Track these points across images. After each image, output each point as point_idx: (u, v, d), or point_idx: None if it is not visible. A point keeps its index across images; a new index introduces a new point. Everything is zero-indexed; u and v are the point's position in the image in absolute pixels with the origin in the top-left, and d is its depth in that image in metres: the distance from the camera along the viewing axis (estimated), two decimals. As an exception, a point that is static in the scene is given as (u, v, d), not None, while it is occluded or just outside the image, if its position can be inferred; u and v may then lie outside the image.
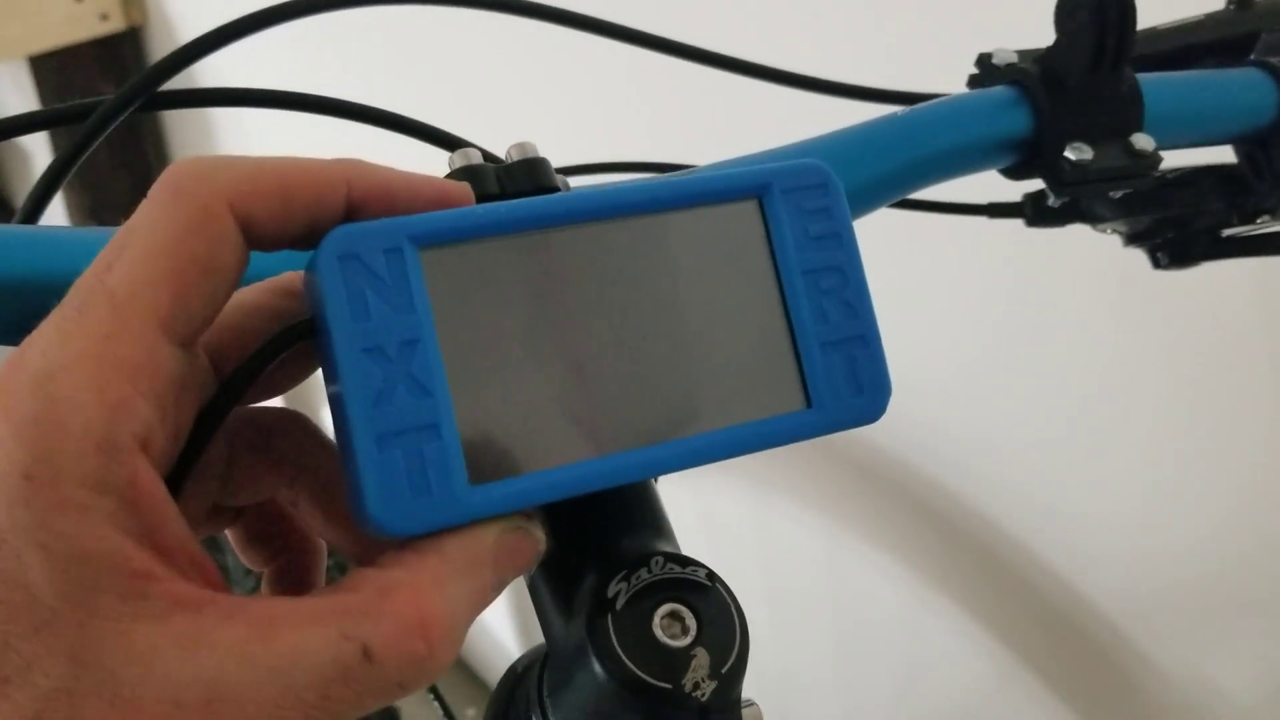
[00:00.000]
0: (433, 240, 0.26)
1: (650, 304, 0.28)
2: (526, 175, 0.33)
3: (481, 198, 0.32)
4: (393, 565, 0.25)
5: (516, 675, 0.36)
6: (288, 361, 0.28)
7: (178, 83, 0.36)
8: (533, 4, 0.41)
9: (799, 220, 0.30)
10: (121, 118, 0.35)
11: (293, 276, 0.29)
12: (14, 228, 0.30)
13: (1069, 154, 0.39)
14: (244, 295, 0.28)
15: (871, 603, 1.03)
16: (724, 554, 1.06)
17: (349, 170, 0.26)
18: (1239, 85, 0.44)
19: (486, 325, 0.27)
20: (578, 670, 0.30)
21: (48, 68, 1.69)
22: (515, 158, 0.33)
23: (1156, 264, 0.50)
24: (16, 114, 0.35)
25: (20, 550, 0.21)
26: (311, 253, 0.26)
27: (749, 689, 0.30)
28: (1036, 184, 0.48)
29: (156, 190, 0.24)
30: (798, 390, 0.29)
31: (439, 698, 0.96)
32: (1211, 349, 0.76)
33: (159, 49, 1.73)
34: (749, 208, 0.30)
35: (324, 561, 0.33)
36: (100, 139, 0.35)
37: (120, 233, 0.24)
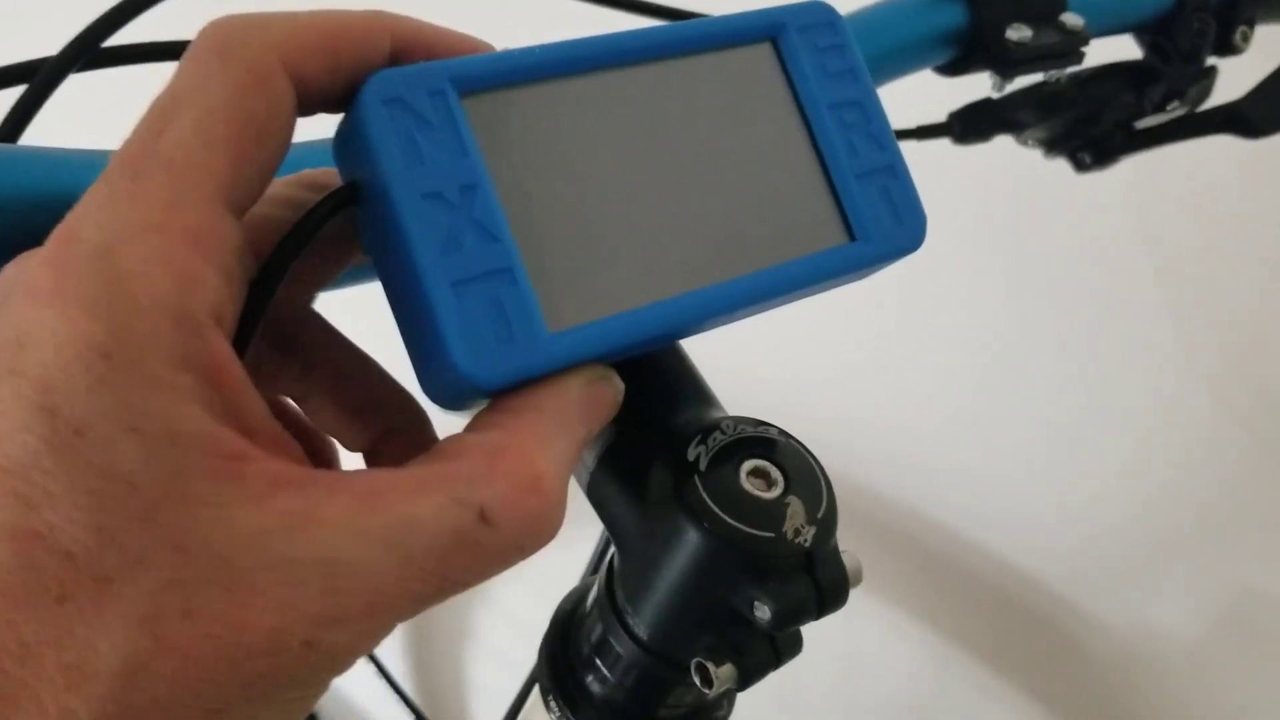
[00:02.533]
0: (472, 85, 0.25)
1: (692, 146, 0.28)
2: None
3: None
4: (491, 428, 0.23)
5: (568, 613, 0.34)
6: (324, 252, 0.26)
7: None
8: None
9: (816, 57, 0.29)
10: (64, 79, 0.33)
11: (315, 173, 0.27)
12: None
13: (1011, 34, 0.41)
14: (272, 188, 0.26)
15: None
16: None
17: (390, 21, 0.24)
18: (1140, -30, 0.47)
19: (534, 170, 0.25)
20: (668, 548, 0.28)
21: None
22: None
23: (1080, 166, 0.52)
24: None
25: (110, 436, 0.19)
26: (341, 119, 0.25)
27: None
28: (960, 103, 0.49)
29: (200, 50, 0.22)
30: (839, 224, 0.29)
31: None
32: (1099, 297, 0.79)
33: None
34: (764, 50, 0.29)
35: (338, 459, 0.31)
36: (42, 105, 0.33)
37: (164, 97, 0.22)
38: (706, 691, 0.28)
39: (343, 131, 0.25)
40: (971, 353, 0.85)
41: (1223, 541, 0.80)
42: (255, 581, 0.19)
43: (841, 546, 0.29)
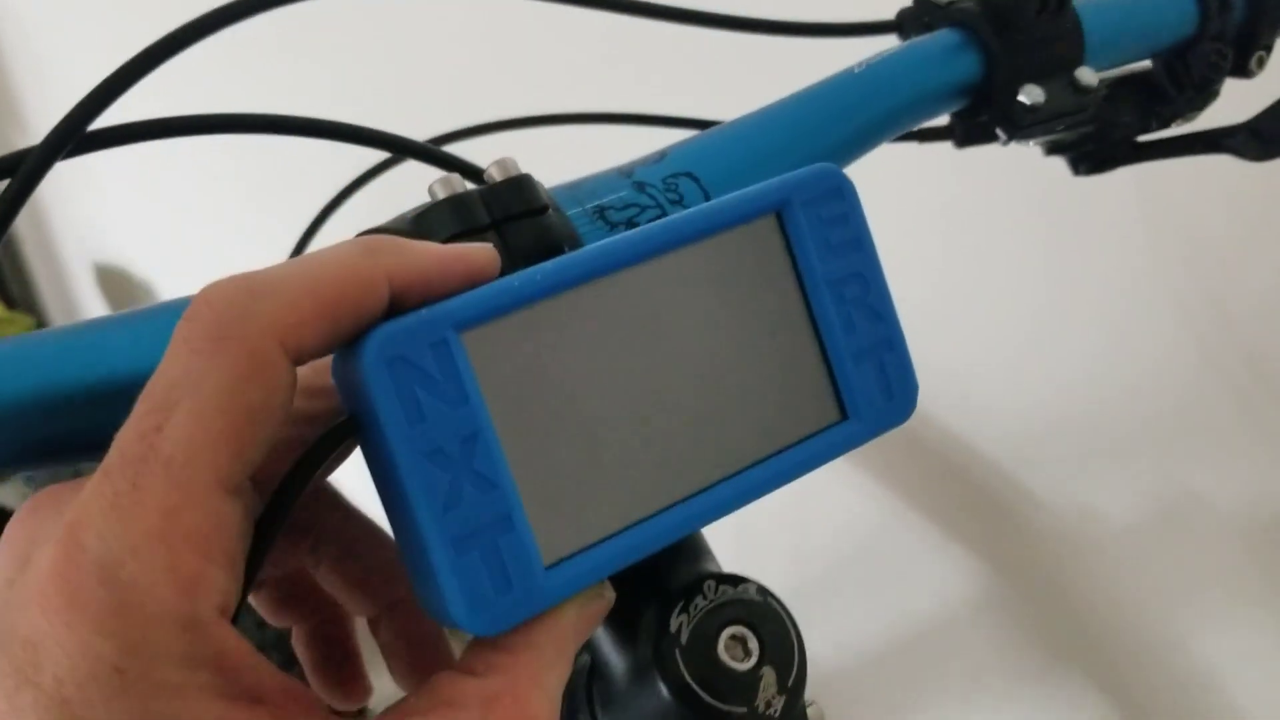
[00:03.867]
0: (471, 322, 0.25)
1: (687, 343, 0.28)
2: (514, 197, 0.31)
3: (473, 231, 0.31)
4: (488, 672, 0.25)
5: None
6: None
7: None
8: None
9: (819, 230, 0.29)
10: (50, 168, 0.32)
11: (310, 374, 0.27)
12: (12, 340, 0.28)
13: (1023, 98, 0.40)
14: None
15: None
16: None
17: (388, 266, 0.24)
18: (1164, 2, 0.45)
19: (534, 396, 0.26)
20: (641, 694, 0.30)
21: None
22: (498, 177, 0.32)
23: (1076, 171, 0.51)
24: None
25: None
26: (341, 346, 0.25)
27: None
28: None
29: (195, 334, 0.22)
30: (833, 403, 0.30)
31: None
32: (1073, 189, 0.79)
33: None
34: (768, 224, 0.29)
35: (353, 619, 0.32)
36: (29, 197, 0.32)
37: (161, 386, 0.22)
38: None
39: (342, 363, 0.25)
40: (945, 237, 0.85)
41: (1167, 444, 0.84)
42: None
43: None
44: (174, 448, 0.21)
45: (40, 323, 2.70)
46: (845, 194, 0.30)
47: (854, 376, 0.30)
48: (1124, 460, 0.86)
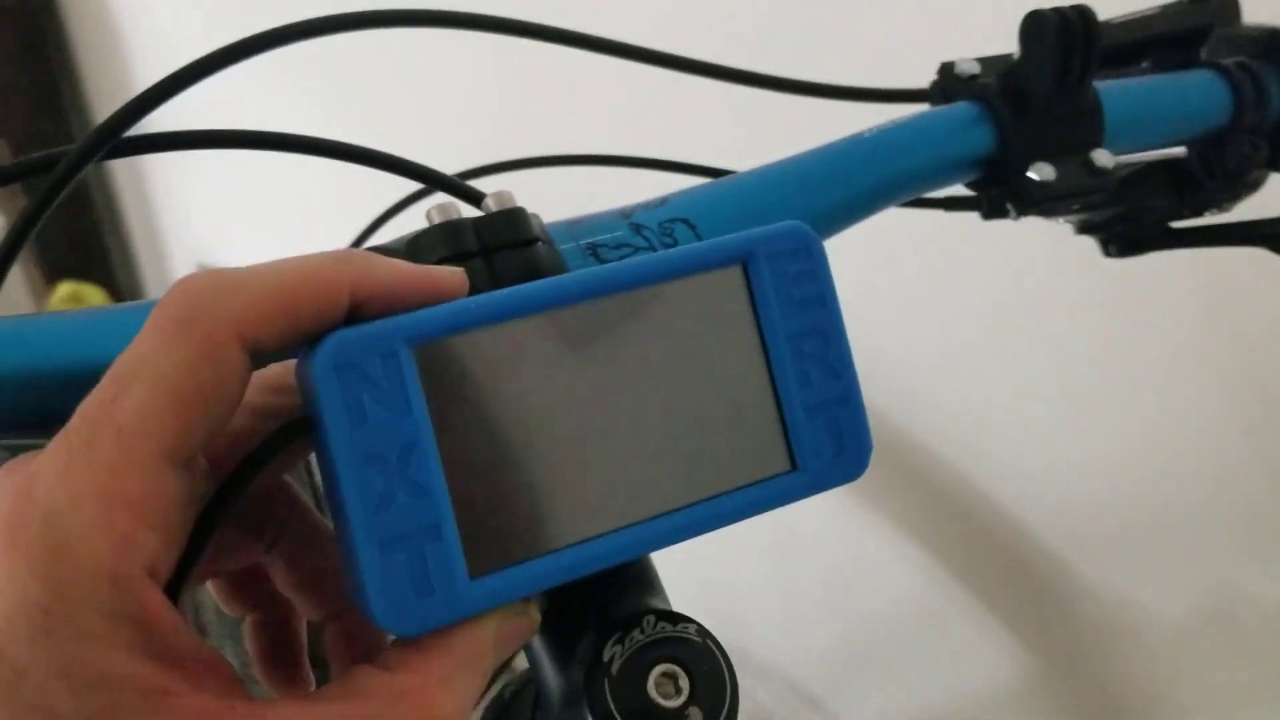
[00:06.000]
0: (424, 338, 0.26)
1: (640, 380, 0.29)
2: (505, 227, 0.33)
3: (462, 256, 0.32)
4: (400, 668, 0.26)
5: (504, 702, 0.38)
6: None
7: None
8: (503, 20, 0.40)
9: (783, 285, 0.30)
10: (87, 167, 0.34)
11: (281, 372, 0.29)
12: (10, 319, 0.30)
13: (1032, 174, 0.40)
14: None
15: (801, 516, 1.06)
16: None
17: (353, 274, 0.26)
18: (1194, 90, 0.45)
19: (479, 415, 0.27)
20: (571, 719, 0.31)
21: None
22: (494, 208, 0.33)
23: (1107, 252, 0.51)
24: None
25: (44, 681, 0.22)
26: (303, 347, 0.26)
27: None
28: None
29: (163, 318, 0.24)
30: (783, 454, 0.30)
31: None
32: (1128, 274, 0.78)
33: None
34: (733, 274, 0.30)
35: (302, 625, 0.34)
36: (61, 196, 0.34)
37: (126, 361, 0.24)
38: None
39: (301, 364, 0.26)
40: (999, 304, 0.84)
41: (1211, 534, 0.82)
42: None
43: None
44: (126, 416, 0.23)
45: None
46: (813, 252, 0.30)
47: (805, 430, 0.30)
48: (1168, 544, 0.84)
